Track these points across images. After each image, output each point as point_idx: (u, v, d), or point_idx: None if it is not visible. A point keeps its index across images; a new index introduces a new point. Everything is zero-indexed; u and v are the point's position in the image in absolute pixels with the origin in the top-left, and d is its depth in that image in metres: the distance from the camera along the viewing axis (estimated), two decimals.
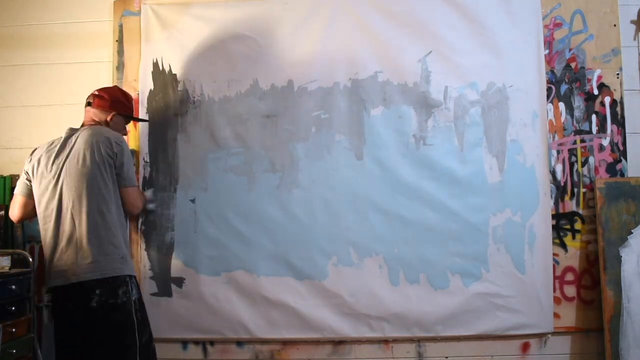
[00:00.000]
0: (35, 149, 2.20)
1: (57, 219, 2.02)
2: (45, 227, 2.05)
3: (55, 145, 2.13)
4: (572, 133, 2.52)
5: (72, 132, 2.16)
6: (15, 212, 2.21)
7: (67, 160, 2.06)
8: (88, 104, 2.25)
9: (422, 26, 2.51)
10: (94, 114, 2.24)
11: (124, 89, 2.62)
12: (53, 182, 2.06)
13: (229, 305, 2.49)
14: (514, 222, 2.46)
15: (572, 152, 2.52)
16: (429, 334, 2.45)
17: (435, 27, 2.51)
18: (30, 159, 2.16)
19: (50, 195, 2.05)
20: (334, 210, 2.48)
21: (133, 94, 2.61)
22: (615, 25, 2.53)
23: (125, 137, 2.29)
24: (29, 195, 2.16)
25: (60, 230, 2.02)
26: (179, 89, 2.59)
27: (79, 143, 2.08)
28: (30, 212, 2.19)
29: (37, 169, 2.11)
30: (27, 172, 2.17)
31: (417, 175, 2.47)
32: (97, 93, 2.26)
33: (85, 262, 1.97)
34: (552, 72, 2.54)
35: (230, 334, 2.50)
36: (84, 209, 2.00)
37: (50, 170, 2.07)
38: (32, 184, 2.14)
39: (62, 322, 2.02)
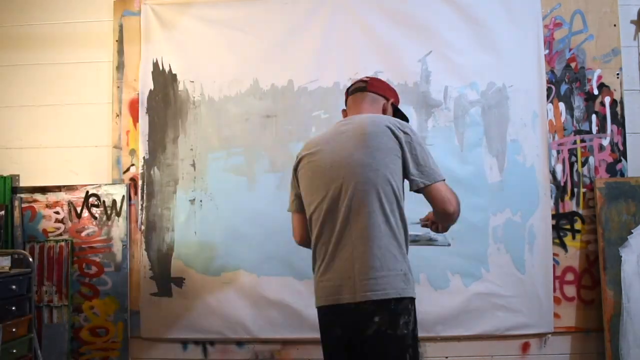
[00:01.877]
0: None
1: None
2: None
3: (326, 139, 1.67)
4: (572, 133, 2.52)
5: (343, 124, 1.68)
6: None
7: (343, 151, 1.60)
8: (358, 89, 1.74)
9: (422, 26, 2.51)
10: (372, 99, 1.73)
11: (124, 88, 2.63)
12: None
13: (229, 305, 2.49)
14: (514, 222, 2.46)
15: (572, 152, 2.52)
16: (429, 334, 2.45)
17: (435, 27, 2.51)
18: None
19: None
20: None
21: (133, 94, 2.62)
22: (615, 25, 2.53)
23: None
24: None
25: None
26: (179, 89, 2.59)
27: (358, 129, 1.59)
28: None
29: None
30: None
31: None
32: (367, 78, 1.78)
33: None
34: (552, 72, 2.54)
35: (230, 334, 2.49)
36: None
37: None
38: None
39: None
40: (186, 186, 2.56)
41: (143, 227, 2.57)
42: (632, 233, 2.39)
